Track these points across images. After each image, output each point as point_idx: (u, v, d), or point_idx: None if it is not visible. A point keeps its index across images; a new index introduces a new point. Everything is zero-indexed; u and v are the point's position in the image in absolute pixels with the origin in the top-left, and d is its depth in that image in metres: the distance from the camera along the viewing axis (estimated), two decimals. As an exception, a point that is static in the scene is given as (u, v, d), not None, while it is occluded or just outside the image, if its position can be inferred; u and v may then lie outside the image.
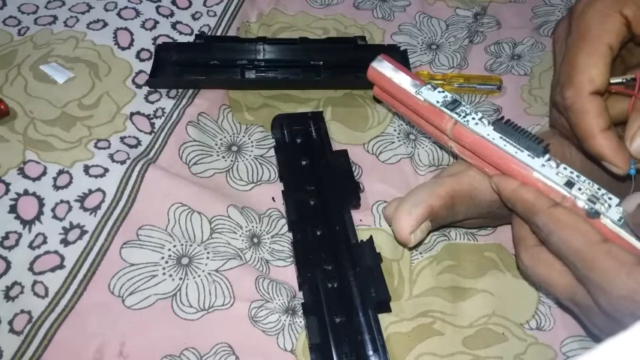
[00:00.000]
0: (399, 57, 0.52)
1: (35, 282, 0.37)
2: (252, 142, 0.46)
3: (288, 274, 0.39)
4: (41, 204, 0.40)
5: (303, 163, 0.43)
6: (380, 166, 0.45)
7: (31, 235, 0.39)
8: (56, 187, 0.41)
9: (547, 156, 0.31)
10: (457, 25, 0.57)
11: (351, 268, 0.37)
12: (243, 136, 0.47)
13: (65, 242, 0.38)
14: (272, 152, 0.45)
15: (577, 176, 0.30)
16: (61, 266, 0.37)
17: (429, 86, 0.34)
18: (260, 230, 0.41)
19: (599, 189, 0.30)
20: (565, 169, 0.30)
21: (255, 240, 0.40)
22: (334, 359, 0.33)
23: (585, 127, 0.31)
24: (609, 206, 0.29)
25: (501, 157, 0.31)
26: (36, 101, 0.46)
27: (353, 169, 0.44)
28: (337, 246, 0.38)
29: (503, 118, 0.32)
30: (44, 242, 0.38)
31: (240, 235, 0.40)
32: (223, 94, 0.49)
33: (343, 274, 0.37)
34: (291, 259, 0.39)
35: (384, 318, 0.36)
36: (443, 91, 0.34)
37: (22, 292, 0.36)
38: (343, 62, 0.51)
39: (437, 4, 0.59)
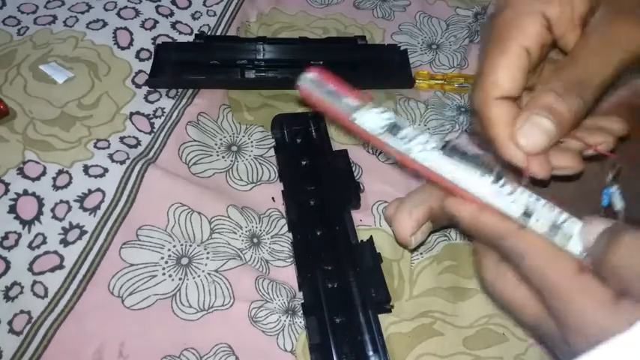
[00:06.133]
0: (399, 57, 0.52)
1: (35, 282, 0.37)
2: (252, 142, 0.46)
3: (288, 274, 0.39)
4: (41, 204, 0.40)
5: (303, 163, 0.43)
6: (380, 166, 0.45)
7: (31, 236, 0.38)
8: (56, 187, 0.41)
9: (501, 182, 0.27)
10: (457, 24, 0.57)
11: (351, 268, 0.37)
12: (243, 136, 0.47)
13: (65, 242, 0.38)
14: (272, 152, 0.45)
15: (536, 200, 0.27)
16: (60, 266, 0.37)
17: (369, 106, 0.29)
18: (260, 230, 0.41)
19: (560, 213, 0.26)
20: (522, 193, 0.27)
21: (255, 240, 0.40)
22: (334, 359, 0.33)
23: (493, 136, 0.28)
24: (570, 236, 0.26)
25: (452, 185, 0.28)
26: (35, 101, 0.46)
27: (353, 169, 0.44)
28: (337, 246, 0.38)
29: (450, 142, 0.28)
30: (44, 242, 0.38)
31: (240, 235, 0.40)
32: (223, 94, 0.49)
33: (343, 274, 0.37)
34: (291, 259, 0.39)
35: (384, 318, 0.36)
36: (384, 111, 0.29)
37: (21, 293, 0.36)
38: (343, 62, 0.51)
39: (437, 3, 0.59)
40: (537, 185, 0.28)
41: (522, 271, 0.26)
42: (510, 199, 0.27)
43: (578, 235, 0.26)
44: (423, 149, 0.28)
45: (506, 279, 0.27)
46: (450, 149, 0.27)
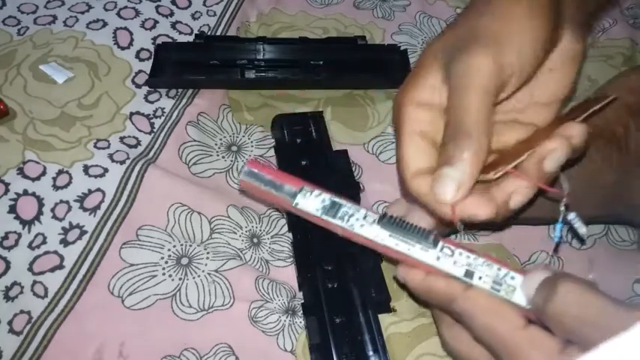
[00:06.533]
0: (399, 57, 0.52)
1: (35, 282, 0.37)
2: (252, 142, 0.46)
3: (288, 274, 0.39)
4: (41, 204, 0.40)
5: (303, 163, 0.43)
6: (380, 166, 0.45)
7: (31, 236, 0.39)
8: (56, 187, 0.41)
9: (440, 245, 0.29)
10: (457, 24, 0.57)
11: (351, 268, 0.37)
12: (243, 136, 0.47)
13: (65, 242, 0.38)
14: (272, 152, 0.45)
15: (475, 259, 0.28)
16: (60, 266, 0.37)
17: (305, 190, 0.31)
18: (260, 230, 0.41)
19: (499, 269, 0.28)
20: (461, 254, 0.28)
21: (255, 240, 0.40)
22: (334, 359, 0.33)
23: (423, 204, 0.30)
24: (514, 289, 0.27)
25: (395, 255, 0.29)
26: (35, 101, 0.46)
27: (353, 169, 0.44)
28: (337, 246, 0.38)
29: (386, 214, 0.30)
30: (44, 242, 0.38)
31: (240, 235, 0.40)
32: (223, 94, 0.49)
33: (343, 274, 0.37)
34: (291, 259, 0.39)
35: (384, 318, 0.36)
36: (320, 194, 0.31)
37: (21, 293, 0.36)
38: (343, 62, 0.51)
39: (437, 3, 0.59)
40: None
41: (474, 331, 0.27)
42: (451, 261, 0.28)
43: (520, 288, 0.27)
44: (363, 224, 0.29)
45: (461, 340, 0.29)
46: (386, 221, 0.29)
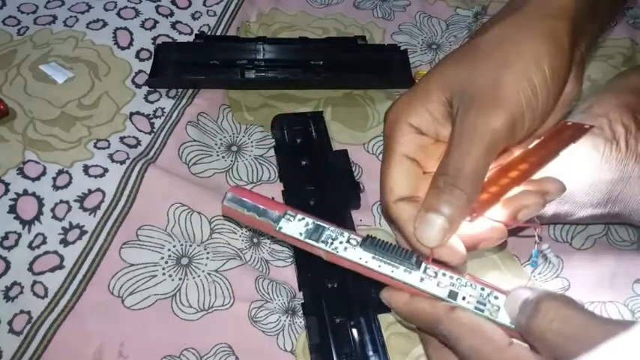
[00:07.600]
0: (399, 57, 0.52)
1: (35, 282, 0.37)
2: (252, 142, 0.46)
3: (288, 274, 0.39)
4: (41, 204, 0.40)
5: (303, 163, 0.43)
6: (380, 166, 0.45)
7: (31, 236, 0.39)
8: (56, 187, 0.41)
9: (423, 267, 0.29)
10: (457, 24, 0.57)
11: (351, 268, 0.37)
12: (243, 136, 0.47)
13: (65, 242, 0.38)
14: (272, 152, 0.45)
15: (458, 280, 0.28)
16: (60, 266, 0.37)
17: (289, 215, 0.31)
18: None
19: (482, 289, 0.28)
20: (444, 275, 0.29)
21: (255, 240, 0.40)
22: (334, 359, 0.33)
23: (401, 232, 0.30)
24: (498, 308, 0.27)
25: (379, 277, 0.29)
26: (35, 101, 0.46)
27: (353, 169, 0.44)
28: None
29: (369, 236, 0.30)
30: (44, 242, 0.38)
31: (240, 235, 0.40)
32: (223, 94, 0.49)
33: (343, 274, 0.37)
34: (291, 259, 0.39)
35: (384, 318, 0.36)
36: (303, 218, 0.31)
37: (21, 293, 0.36)
38: (343, 62, 0.51)
39: (437, 3, 0.59)
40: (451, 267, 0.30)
41: (460, 353, 0.27)
42: (435, 282, 0.28)
43: (504, 307, 0.27)
44: (346, 247, 0.30)
45: None
46: (369, 243, 0.29)
